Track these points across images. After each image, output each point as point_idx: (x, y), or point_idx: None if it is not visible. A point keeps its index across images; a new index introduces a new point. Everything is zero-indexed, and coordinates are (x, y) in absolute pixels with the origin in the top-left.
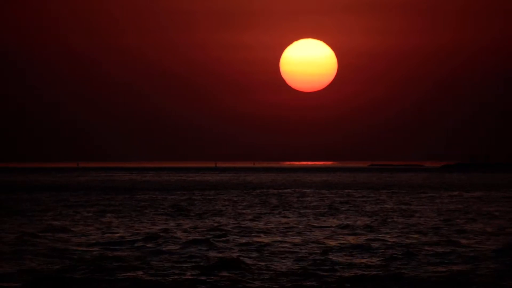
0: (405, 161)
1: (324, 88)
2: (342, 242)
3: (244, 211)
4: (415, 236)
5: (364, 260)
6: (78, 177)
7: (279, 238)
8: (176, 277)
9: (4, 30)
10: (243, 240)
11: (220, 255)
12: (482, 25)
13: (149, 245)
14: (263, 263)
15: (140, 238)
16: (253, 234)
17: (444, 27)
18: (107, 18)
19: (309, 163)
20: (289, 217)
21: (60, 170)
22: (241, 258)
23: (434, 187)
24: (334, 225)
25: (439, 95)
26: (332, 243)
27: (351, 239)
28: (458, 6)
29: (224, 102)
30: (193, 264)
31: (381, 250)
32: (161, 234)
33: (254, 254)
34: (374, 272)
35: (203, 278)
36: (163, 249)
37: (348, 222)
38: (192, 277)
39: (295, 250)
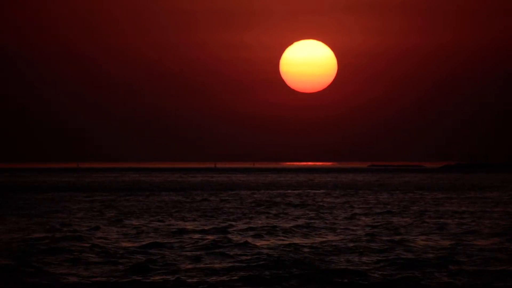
0: (404, 161)
1: (324, 89)
2: (380, 241)
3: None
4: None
5: (396, 260)
6: (84, 178)
7: (319, 238)
8: (223, 277)
9: (4, 30)
10: (283, 241)
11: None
12: (481, 25)
13: (189, 246)
14: (308, 262)
15: (180, 238)
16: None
17: (443, 27)
18: (107, 18)
19: (309, 163)
20: (314, 218)
21: (61, 170)
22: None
23: (446, 188)
24: (369, 225)
25: (439, 95)
26: (372, 242)
27: (387, 239)
28: (458, 6)
29: (224, 102)
30: (239, 263)
31: (417, 252)
32: (201, 235)
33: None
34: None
35: (250, 276)
36: (204, 250)
37: (380, 223)
38: (240, 276)
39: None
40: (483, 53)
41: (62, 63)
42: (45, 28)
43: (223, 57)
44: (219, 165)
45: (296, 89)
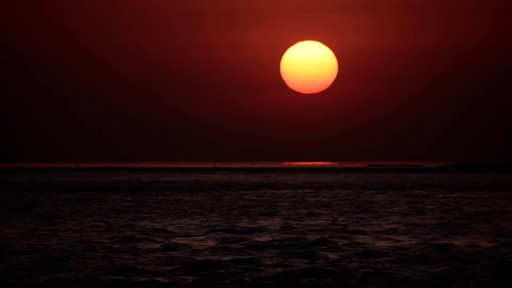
0: (404, 161)
1: (324, 90)
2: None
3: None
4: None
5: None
6: (108, 177)
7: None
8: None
9: (12, 28)
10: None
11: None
12: (483, 25)
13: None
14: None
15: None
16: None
17: (439, 26)
18: (117, 17)
19: (309, 163)
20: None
21: (61, 170)
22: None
23: (461, 188)
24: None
25: (439, 94)
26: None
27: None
28: (452, 5)
29: (225, 101)
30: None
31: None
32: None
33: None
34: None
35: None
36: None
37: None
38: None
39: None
40: (483, 52)
41: (70, 62)
42: (54, 27)
43: (224, 57)
44: (218, 165)
45: (296, 90)
